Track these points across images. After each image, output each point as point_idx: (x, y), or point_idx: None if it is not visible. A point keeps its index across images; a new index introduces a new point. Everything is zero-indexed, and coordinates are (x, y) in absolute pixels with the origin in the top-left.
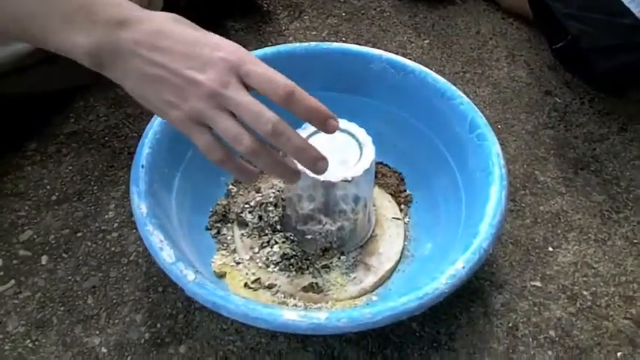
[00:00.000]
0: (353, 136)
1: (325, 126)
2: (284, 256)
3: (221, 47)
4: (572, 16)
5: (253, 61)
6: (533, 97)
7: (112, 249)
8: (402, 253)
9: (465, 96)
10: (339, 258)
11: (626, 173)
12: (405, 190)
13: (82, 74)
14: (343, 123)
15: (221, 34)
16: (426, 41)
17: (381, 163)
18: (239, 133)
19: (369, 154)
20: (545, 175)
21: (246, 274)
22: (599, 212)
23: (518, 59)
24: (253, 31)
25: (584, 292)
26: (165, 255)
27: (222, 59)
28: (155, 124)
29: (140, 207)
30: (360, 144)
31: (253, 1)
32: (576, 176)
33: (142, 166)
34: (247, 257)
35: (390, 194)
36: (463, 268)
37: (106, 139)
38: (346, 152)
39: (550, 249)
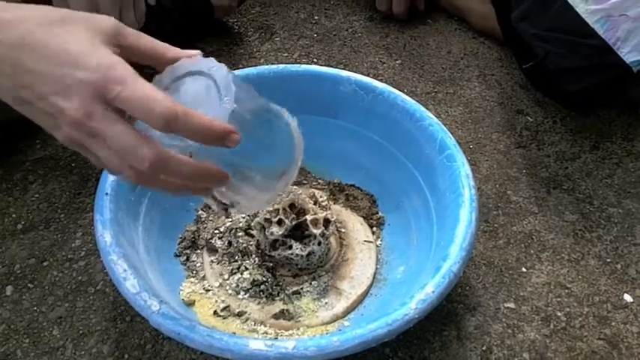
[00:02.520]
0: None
1: (226, 142)
2: (254, 283)
3: (84, 65)
4: (539, 37)
5: (121, 79)
6: (505, 117)
7: (79, 278)
8: (374, 276)
9: (434, 117)
10: (311, 283)
11: (598, 192)
12: (377, 213)
13: None
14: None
15: None
16: (397, 61)
17: (353, 185)
18: (118, 164)
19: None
20: (518, 195)
21: (216, 301)
22: (572, 232)
23: (490, 78)
24: (224, 53)
25: (558, 313)
26: (129, 285)
27: (83, 82)
28: None
29: (104, 236)
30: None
31: (224, 22)
32: (549, 195)
33: (107, 194)
34: (217, 284)
35: (362, 217)
36: (433, 292)
37: (74, 165)
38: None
39: (523, 270)
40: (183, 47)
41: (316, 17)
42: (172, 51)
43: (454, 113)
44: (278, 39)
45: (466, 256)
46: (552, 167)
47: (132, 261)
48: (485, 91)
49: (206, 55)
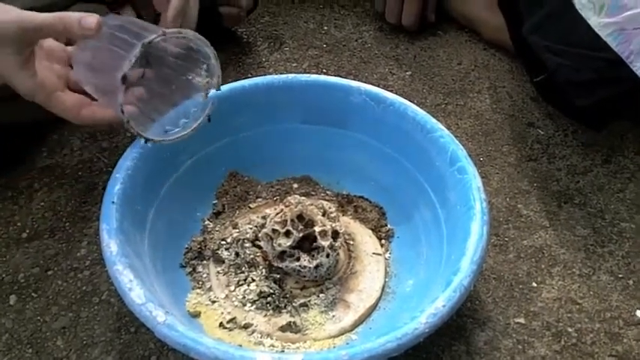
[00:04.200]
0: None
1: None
2: (261, 294)
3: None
4: (550, 50)
5: None
6: (516, 129)
7: (83, 288)
8: (382, 290)
9: (445, 129)
10: (318, 296)
11: (610, 206)
12: (386, 225)
13: None
14: None
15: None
16: (407, 73)
17: (362, 197)
18: None
19: None
20: (529, 209)
21: (222, 313)
22: (583, 246)
23: (501, 91)
24: (233, 63)
25: (569, 329)
26: (135, 295)
27: None
28: (128, 158)
29: (110, 246)
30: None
31: (233, 31)
32: (560, 210)
33: (113, 203)
34: (223, 296)
35: (371, 229)
36: (444, 306)
37: (80, 173)
38: None
39: (534, 284)
40: None
41: (326, 27)
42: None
43: (464, 125)
44: (287, 49)
45: (477, 270)
46: (563, 181)
47: (138, 271)
48: (496, 104)
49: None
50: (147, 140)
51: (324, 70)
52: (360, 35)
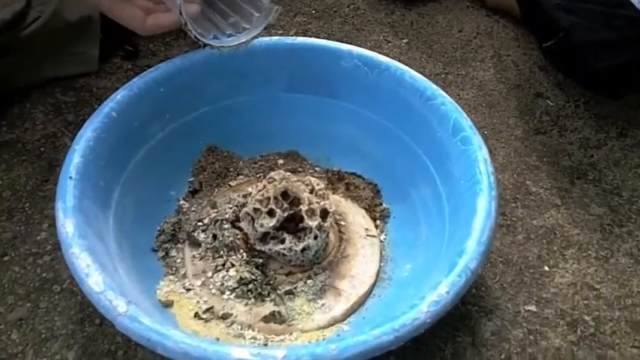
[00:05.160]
0: None
1: None
2: (241, 281)
3: None
4: (563, 8)
5: None
6: (523, 100)
7: (43, 275)
8: (377, 275)
9: (446, 95)
10: (306, 282)
11: (627, 182)
12: (381, 204)
13: (17, 74)
14: None
15: (178, 32)
16: (404, 40)
17: (354, 173)
18: None
19: None
20: (538, 186)
21: (197, 302)
22: (599, 226)
23: (505, 59)
24: None
25: (586, 318)
26: (92, 282)
27: None
28: (89, 128)
29: (65, 226)
30: None
31: None
32: (572, 186)
33: (71, 178)
34: (199, 283)
35: (364, 208)
36: (447, 293)
37: (42, 149)
38: None
39: (546, 268)
40: None
41: None
42: None
43: (466, 96)
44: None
45: (485, 252)
46: (576, 155)
47: (97, 255)
48: (501, 73)
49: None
50: (205, 45)
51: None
52: (352, 1)
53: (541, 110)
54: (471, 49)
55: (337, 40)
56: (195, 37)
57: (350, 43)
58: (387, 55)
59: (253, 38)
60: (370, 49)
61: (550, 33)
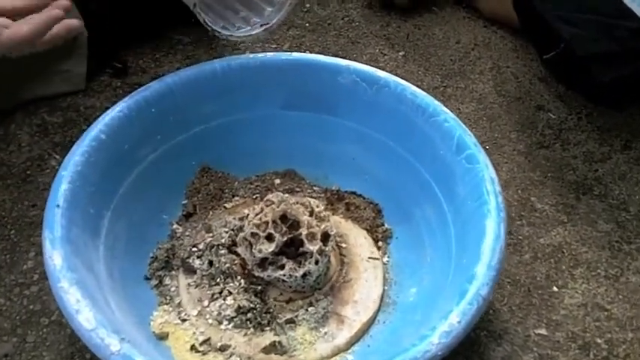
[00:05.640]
0: None
1: None
2: (239, 310)
3: None
4: (565, 19)
5: None
6: (524, 114)
7: (31, 307)
8: (381, 300)
9: (449, 112)
10: (307, 309)
11: (634, 197)
12: (383, 224)
13: (0, 96)
14: None
15: (168, 49)
16: (400, 53)
17: (354, 192)
18: None
19: None
20: (543, 202)
21: (194, 333)
22: (607, 243)
23: (505, 71)
24: (204, 45)
25: (598, 340)
26: (83, 319)
27: None
28: (77, 152)
29: (53, 257)
30: None
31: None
32: (578, 202)
33: (58, 207)
34: (195, 312)
35: (366, 229)
36: (459, 322)
37: (28, 172)
38: None
39: (555, 289)
40: (153, 39)
41: (308, 5)
42: None
43: (466, 110)
44: None
45: (495, 277)
46: (580, 170)
47: (87, 288)
48: (500, 85)
49: (182, 47)
50: (213, 31)
51: (308, 52)
52: (347, 13)
53: (543, 123)
54: (469, 61)
55: (332, 54)
56: (204, 20)
57: (345, 57)
58: (384, 69)
59: (265, 30)
60: (366, 63)
61: (551, 44)
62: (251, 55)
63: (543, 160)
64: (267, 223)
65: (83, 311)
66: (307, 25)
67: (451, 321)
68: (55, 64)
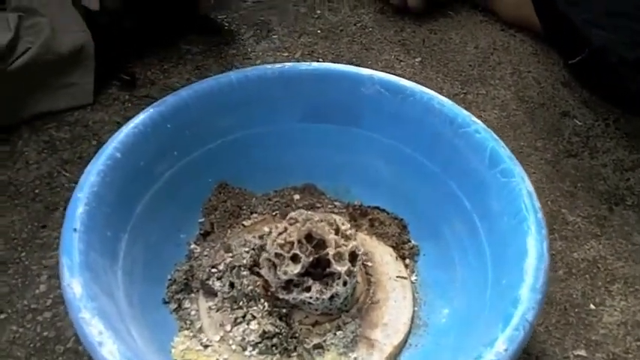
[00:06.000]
0: None
1: None
2: (264, 335)
3: None
4: (596, 24)
5: None
6: (549, 120)
7: (45, 334)
8: (412, 321)
9: (480, 122)
10: (335, 333)
11: None
12: (409, 241)
13: (5, 109)
14: None
15: (177, 59)
16: (417, 59)
17: (377, 207)
18: None
19: None
20: (575, 214)
21: None
22: None
23: (526, 76)
24: (214, 55)
25: None
26: (107, 352)
27: None
28: (93, 172)
29: (72, 286)
30: None
31: (212, 20)
32: (611, 214)
33: (75, 230)
34: (217, 338)
35: (391, 246)
36: (506, 350)
37: (37, 191)
38: None
39: (592, 307)
40: (161, 49)
41: (319, 11)
42: None
43: (489, 117)
44: (276, 37)
45: (541, 300)
46: (611, 179)
47: (109, 318)
48: (523, 91)
49: (191, 57)
50: None
51: (321, 60)
52: (359, 18)
53: (569, 130)
54: (489, 67)
55: (347, 61)
56: None
57: (361, 65)
58: (401, 76)
59: None
60: (382, 70)
61: (576, 49)
62: (269, 66)
63: (572, 169)
64: (292, 243)
65: (106, 344)
66: (319, 32)
67: (497, 349)
68: (61, 77)
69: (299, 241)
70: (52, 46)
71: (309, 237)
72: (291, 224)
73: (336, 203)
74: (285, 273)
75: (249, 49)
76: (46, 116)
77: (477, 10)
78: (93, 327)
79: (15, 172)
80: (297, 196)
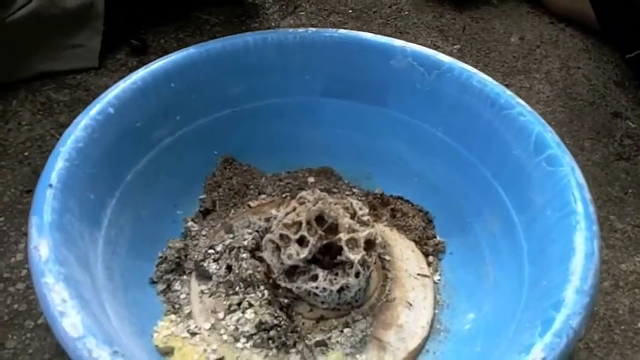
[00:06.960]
0: None
1: None
2: (261, 326)
3: None
4: None
5: None
6: (599, 120)
7: (15, 307)
8: (431, 326)
9: (525, 104)
10: (342, 331)
11: None
12: (435, 236)
13: (1, 65)
14: None
15: (194, 29)
16: (455, 46)
17: (401, 197)
18: None
19: None
20: (624, 222)
21: (205, 350)
22: None
23: (575, 72)
24: (234, 27)
25: None
26: (68, 324)
27: None
28: (79, 126)
29: (39, 247)
30: None
31: None
32: None
33: (50, 186)
34: (207, 326)
35: (414, 241)
36: (544, 359)
37: (26, 154)
38: None
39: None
40: (179, 16)
41: None
42: None
43: None
44: (303, 13)
45: (590, 304)
46: None
47: (79, 287)
48: (571, 88)
49: (210, 27)
50: None
51: None
52: (395, 1)
53: (621, 132)
54: (535, 60)
55: None
56: None
57: None
58: None
59: None
60: None
61: (636, 42)
62: (290, 30)
63: (623, 173)
64: (299, 223)
65: (69, 314)
66: (350, 11)
67: (534, 356)
68: (66, 37)
69: (308, 223)
70: (57, 1)
71: (320, 219)
72: (300, 203)
73: (354, 190)
74: (290, 257)
75: (272, 24)
76: (45, 77)
77: (523, 1)
78: (55, 293)
79: (5, 132)
80: (311, 179)
